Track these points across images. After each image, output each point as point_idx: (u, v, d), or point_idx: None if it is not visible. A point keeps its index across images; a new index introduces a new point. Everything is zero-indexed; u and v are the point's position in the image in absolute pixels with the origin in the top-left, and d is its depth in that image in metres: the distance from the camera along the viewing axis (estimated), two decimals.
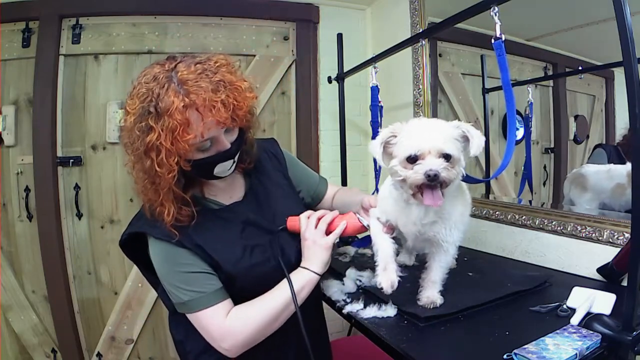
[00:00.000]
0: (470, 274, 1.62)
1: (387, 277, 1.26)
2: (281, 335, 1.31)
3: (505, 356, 0.98)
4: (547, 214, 1.83)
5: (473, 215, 1.79)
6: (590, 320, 1.07)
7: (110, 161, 2.79)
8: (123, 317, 2.84)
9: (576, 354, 0.96)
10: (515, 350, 0.98)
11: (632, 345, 1.01)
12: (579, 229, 1.66)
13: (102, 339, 2.84)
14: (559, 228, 1.74)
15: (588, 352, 0.99)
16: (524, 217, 1.91)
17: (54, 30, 2.63)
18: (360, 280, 1.58)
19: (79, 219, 2.77)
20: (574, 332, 1.06)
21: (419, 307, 1.28)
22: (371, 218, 1.40)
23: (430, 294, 1.30)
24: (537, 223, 1.84)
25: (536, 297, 1.38)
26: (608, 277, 1.49)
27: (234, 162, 1.29)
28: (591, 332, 1.05)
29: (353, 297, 1.47)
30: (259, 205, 1.43)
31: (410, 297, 1.34)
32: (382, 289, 1.25)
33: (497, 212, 2.06)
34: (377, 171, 2.35)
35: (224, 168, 1.27)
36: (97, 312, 2.85)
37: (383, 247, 1.32)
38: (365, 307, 1.35)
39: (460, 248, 1.41)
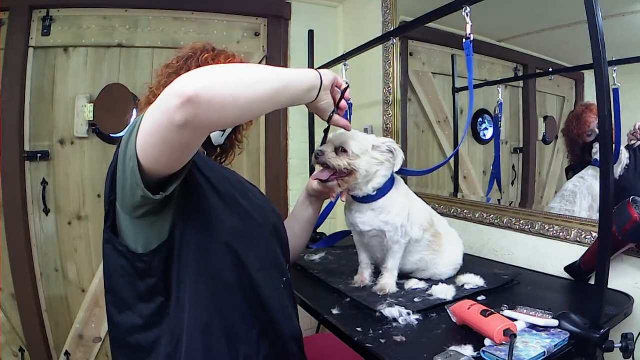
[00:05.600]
0: None
1: (360, 277, 1.50)
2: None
3: (475, 354, 0.98)
4: (516, 212, 1.85)
5: (441, 214, 1.81)
6: (559, 318, 1.08)
7: (78, 156, 2.72)
8: (91, 315, 2.77)
9: (544, 351, 0.96)
10: (483, 348, 0.98)
11: (600, 343, 1.02)
12: (547, 228, 1.68)
13: (70, 338, 2.77)
14: (527, 227, 1.76)
15: (556, 349, 1.00)
16: (492, 215, 1.93)
17: (24, 21, 2.55)
18: None
19: (46, 214, 2.69)
20: (543, 330, 1.07)
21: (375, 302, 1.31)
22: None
23: (384, 282, 1.42)
24: (505, 222, 1.86)
25: (504, 296, 1.40)
26: (575, 276, 1.52)
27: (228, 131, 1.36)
28: (559, 330, 1.06)
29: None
30: None
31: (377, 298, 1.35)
32: (355, 284, 1.48)
33: (465, 211, 2.07)
34: None
35: None
36: (64, 310, 2.78)
37: (361, 258, 1.54)
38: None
39: None
